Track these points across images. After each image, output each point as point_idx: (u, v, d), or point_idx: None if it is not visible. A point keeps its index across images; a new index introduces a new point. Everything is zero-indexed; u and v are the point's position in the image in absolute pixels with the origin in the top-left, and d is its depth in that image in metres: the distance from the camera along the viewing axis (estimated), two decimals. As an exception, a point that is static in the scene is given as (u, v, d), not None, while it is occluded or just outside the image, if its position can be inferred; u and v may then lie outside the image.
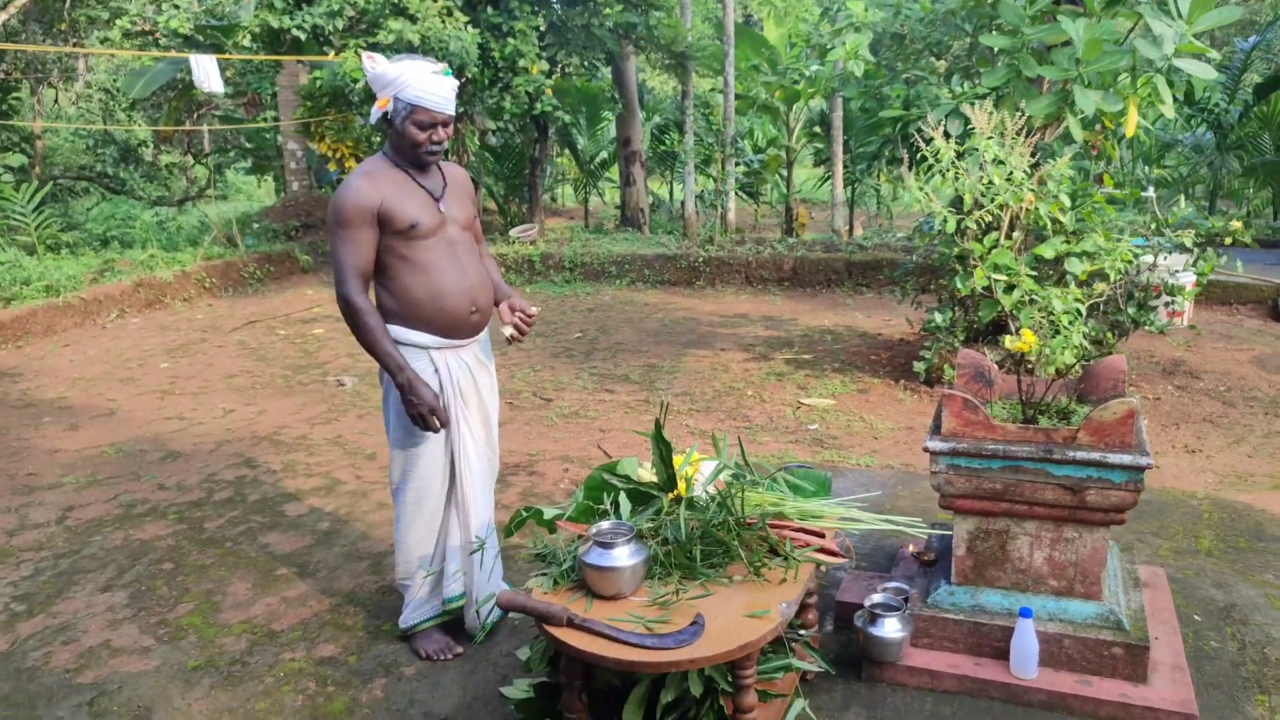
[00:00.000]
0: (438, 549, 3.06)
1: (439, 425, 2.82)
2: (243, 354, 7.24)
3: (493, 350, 3.16)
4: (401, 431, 2.94)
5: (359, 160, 10.58)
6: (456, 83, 2.84)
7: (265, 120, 13.28)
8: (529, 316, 3.00)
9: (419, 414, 2.79)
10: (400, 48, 8.91)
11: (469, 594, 3.06)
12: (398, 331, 2.85)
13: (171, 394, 6.18)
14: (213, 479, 4.62)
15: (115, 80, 16.73)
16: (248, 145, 16.31)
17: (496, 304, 3.04)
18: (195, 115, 15.83)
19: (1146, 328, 5.36)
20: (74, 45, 14.84)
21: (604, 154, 15.56)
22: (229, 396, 6.09)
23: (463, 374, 2.93)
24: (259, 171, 17.65)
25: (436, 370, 2.88)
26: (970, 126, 4.29)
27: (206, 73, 9.43)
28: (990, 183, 4.04)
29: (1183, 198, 6.22)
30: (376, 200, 2.75)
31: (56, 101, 18.53)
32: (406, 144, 2.80)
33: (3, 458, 5.01)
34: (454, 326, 2.89)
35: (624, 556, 2.29)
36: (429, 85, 2.73)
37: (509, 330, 2.98)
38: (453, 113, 2.81)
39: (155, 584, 3.57)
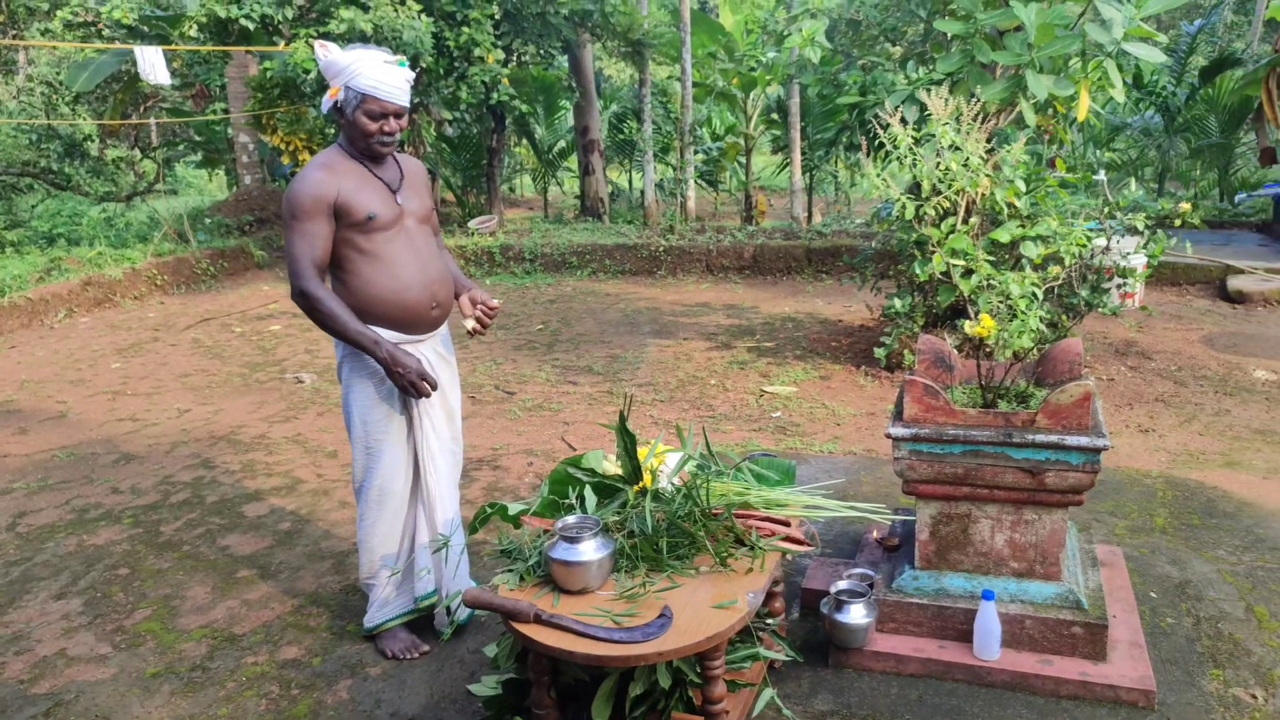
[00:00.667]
0: (402, 547, 3.03)
1: (430, 389, 2.80)
2: (197, 352, 7.10)
3: (453, 343, 3.12)
4: (362, 429, 2.90)
5: (313, 153, 10.40)
6: (411, 74, 2.79)
7: (215, 113, 13.00)
8: (491, 309, 2.97)
9: (409, 382, 2.76)
10: (352, 37, 8.77)
11: (439, 591, 3.03)
12: None
13: (124, 395, 6.05)
14: (169, 481, 4.53)
15: (58, 73, 16.26)
16: (197, 138, 15.96)
17: (456, 297, 3.01)
18: (142, 108, 15.46)
19: (1100, 310, 5.45)
20: (13, 37, 14.41)
21: (562, 143, 15.46)
22: (184, 396, 5.97)
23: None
24: (210, 165, 17.30)
25: None
26: (926, 112, 4.33)
27: (152, 64, 9.21)
28: (947, 169, 4.07)
29: (1133, 180, 6.32)
30: (333, 192, 2.71)
31: (-4, 95, 17.97)
32: (358, 134, 2.75)
33: (-52, 464, 4.87)
34: (414, 322, 2.85)
35: (590, 550, 2.28)
36: (380, 75, 2.69)
37: (470, 323, 2.95)
38: (405, 103, 2.77)
39: (111, 590, 3.49)
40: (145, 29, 10.60)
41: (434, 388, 2.82)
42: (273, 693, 2.84)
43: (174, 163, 18.09)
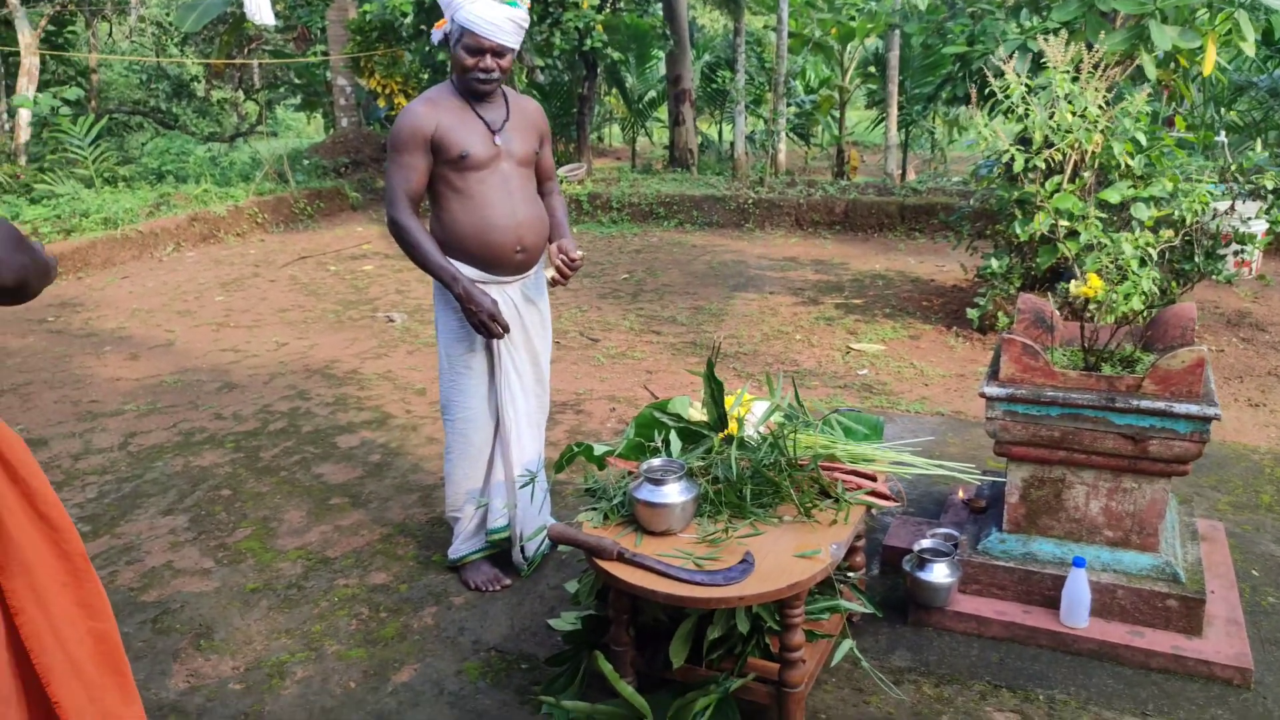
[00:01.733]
0: (487, 483, 3.09)
1: (500, 332, 2.83)
2: (294, 289, 7.33)
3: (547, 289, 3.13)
4: (446, 361, 2.96)
5: (408, 97, 10.53)
6: (521, 13, 2.75)
7: (315, 55, 13.26)
8: (572, 261, 2.92)
9: (479, 321, 2.79)
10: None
11: (513, 529, 3.08)
12: None
13: (226, 326, 6.30)
14: (267, 410, 4.72)
15: (167, 14, 16.78)
16: (297, 81, 16.31)
17: (552, 242, 3.01)
18: (246, 50, 15.86)
19: (1213, 277, 5.18)
20: (127, -22, 14.90)
21: (653, 93, 15.30)
22: (282, 330, 6.19)
23: (508, 310, 2.91)
24: (309, 108, 17.67)
25: None
26: (1042, 61, 4.14)
27: (257, 5, 9.42)
28: (1060, 120, 3.89)
29: (1258, 143, 5.95)
30: (431, 127, 2.74)
31: (110, 35, 18.67)
32: (459, 69, 2.77)
33: (67, 385, 5.16)
34: (497, 263, 2.86)
35: (674, 493, 2.29)
36: (481, 10, 2.68)
37: (550, 272, 2.94)
38: (505, 42, 2.73)
39: (214, 509, 3.67)
40: (251, -30, 10.81)
41: (506, 330, 2.84)
42: (363, 614, 2.95)
43: (275, 105, 18.56)
